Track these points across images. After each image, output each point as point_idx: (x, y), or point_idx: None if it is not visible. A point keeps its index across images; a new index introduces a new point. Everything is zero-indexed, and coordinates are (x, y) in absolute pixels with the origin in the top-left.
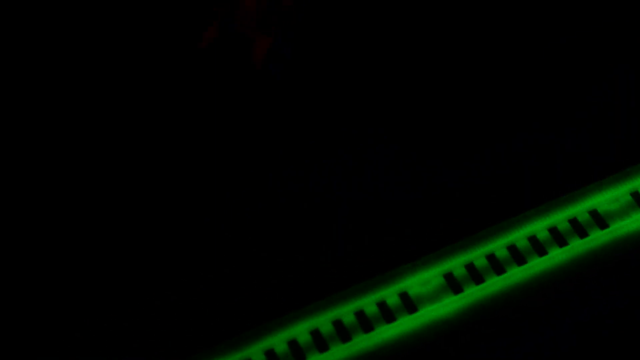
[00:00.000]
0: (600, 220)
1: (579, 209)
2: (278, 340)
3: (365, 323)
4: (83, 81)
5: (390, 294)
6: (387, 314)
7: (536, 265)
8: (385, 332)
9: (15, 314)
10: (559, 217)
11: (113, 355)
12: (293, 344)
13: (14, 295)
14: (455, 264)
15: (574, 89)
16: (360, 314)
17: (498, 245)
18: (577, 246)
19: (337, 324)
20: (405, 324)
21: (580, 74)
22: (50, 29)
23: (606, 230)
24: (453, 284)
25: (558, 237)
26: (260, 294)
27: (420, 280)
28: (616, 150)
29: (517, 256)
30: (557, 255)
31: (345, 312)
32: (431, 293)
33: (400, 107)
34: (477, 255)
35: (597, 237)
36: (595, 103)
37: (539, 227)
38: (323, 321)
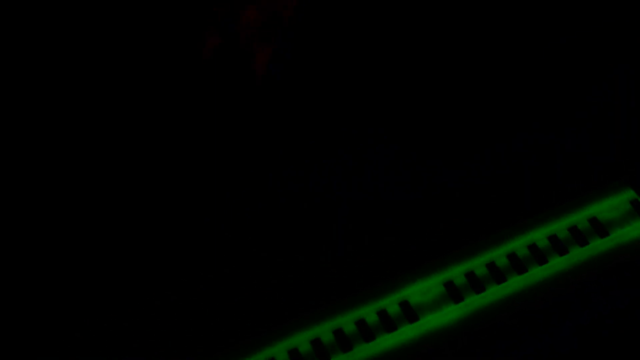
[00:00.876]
0: (600, 228)
1: (579, 217)
2: (278, 350)
3: (366, 332)
4: (85, 81)
5: (390, 303)
6: (388, 323)
7: (537, 273)
8: (386, 341)
9: (15, 314)
10: (559, 226)
11: (113, 355)
12: (294, 353)
13: (14, 295)
14: (456, 272)
15: (574, 89)
16: (361, 323)
17: (498, 254)
18: (577, 254)
19: (338, 332)
20: (406, 333)
21: (580, 74)
22: (51, 39)
23: (606, 239)
24: (453, 293)
25: (558, 245)
26: (260, 294)
27: (421, 289)
28: (616, 150)
29: (518, 265)
30: (557, 264)
31: (346, 321)
32: (432, 302)
33: (400, 107)
34: (477, 264)
35: (597, 245)
36: (595, 103)
37: (539, 235)
38: (324, 330)
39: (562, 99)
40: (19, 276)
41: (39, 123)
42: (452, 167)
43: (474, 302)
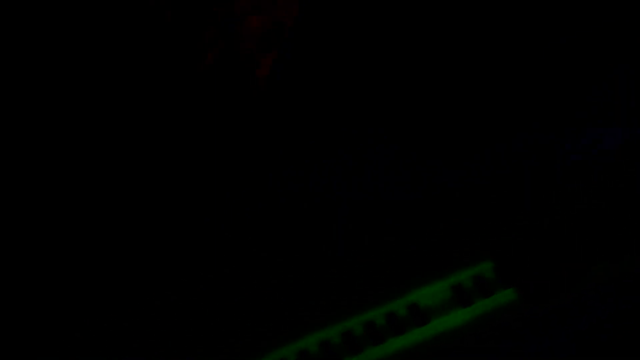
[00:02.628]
0: None
1: None
2: (288, 352)
3: (375, 335)
4: (89, 82)
5: (399, 306)
6: (397, 326)
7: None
8: (395, 344)
9: (15, 313)
10: None
11: (113, 355)
12: (303, 354)
13: (14, 295)
14: (463, 277)
15: (574, 89)
16: (370, 325)
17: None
18: None
19: (347, 335)
20: (414, 336)
21: (580, 74)
22: (47, 46)
23: None
24: (461, 297)
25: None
26: (260, 294)
27: (429, 293)
28: (616, 150)
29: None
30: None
31: (355, 323)
32: (439, 305)
33: (400, 107)
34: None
35: None
36: (595, 103)
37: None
38: (333, 334)
39: (562, 99)
40: (19, 276)
41: (42, 124)
42: (452, 167)
43: (483, 305)
